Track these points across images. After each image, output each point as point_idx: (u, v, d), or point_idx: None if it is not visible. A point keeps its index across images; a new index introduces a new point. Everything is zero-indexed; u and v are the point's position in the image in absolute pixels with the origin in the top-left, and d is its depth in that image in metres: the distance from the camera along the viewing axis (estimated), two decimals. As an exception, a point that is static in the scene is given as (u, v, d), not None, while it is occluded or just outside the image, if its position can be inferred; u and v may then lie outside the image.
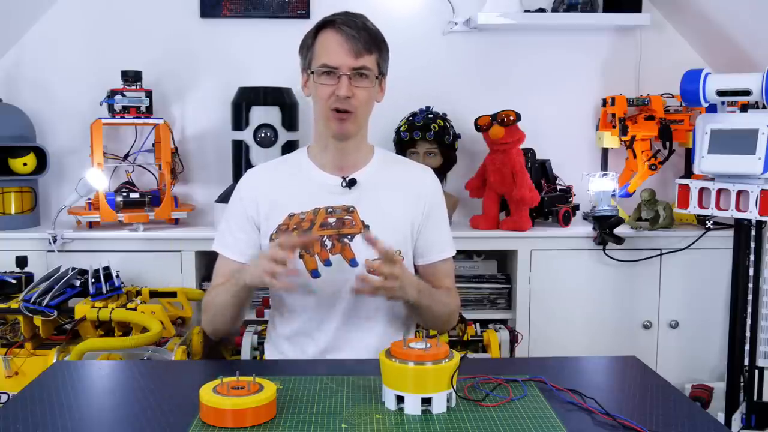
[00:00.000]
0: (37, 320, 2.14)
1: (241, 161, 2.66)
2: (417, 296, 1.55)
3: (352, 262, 1.57)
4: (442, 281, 1.72)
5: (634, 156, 2.77)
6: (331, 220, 1.59)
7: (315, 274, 1.57)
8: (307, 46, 1.62)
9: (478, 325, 2.47)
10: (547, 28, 2.90)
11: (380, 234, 1.59)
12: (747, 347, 2.36)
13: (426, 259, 1.71)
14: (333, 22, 1.57)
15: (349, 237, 1.59)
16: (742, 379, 2.36)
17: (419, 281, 1.60)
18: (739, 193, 2.23)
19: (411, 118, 2.70)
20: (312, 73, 1.58)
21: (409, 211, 1.67)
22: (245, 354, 2.32)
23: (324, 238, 1.58)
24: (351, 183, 1.64)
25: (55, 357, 2.07)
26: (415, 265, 1.72)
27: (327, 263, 1.56)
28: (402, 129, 2.69)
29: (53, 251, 2.50)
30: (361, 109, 1.59)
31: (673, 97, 2.77)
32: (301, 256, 1.58)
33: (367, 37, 1.56)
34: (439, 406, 1.22)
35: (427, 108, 2.74)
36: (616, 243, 2.56)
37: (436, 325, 1.73)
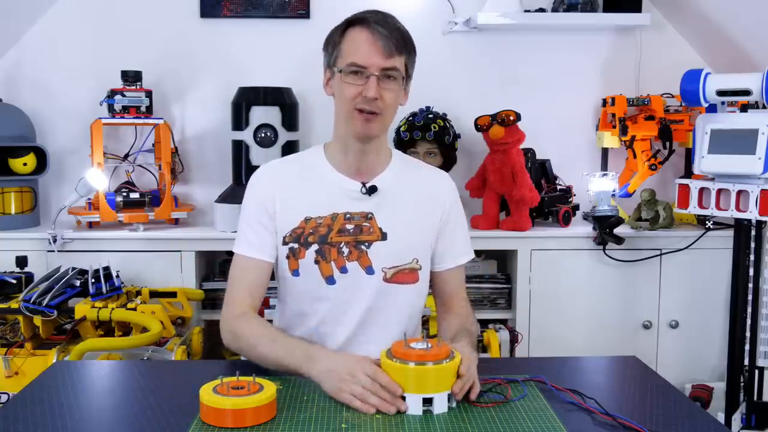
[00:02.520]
0: (37, 320, 2.14)
1: (241, 161, 2.65)
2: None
3: (369, 270, 1.56)
4: (456, 292, 1.68)
5: (634, 156, 2.77)
6: (349, 226, 1.56)
7: (330, 280, 1.55)
8: (333, 43, 1.54)
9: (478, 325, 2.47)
10: (547, 28, 2.89)
11: (399, 242, 1.58)
12: (747, 347, 2.36)
13: (440, 265, 1.66)
14: (365, 20, 1.51)
15: (367, 244, 1.56)
16: (742, 379, 2.36)
17: (471, 351, 1.39)
18: (739, 193, 2.23)
19: (411, 118, 2.70)
20: (340, 71, 1.51)
21: (427, 218, 1.63)
22: (245, 354, 2.32)
23: (341, 245, 1.56)
24: (371, 190, 1.58)
25: (55, 357, 2.07)
26: (431, 272, 1.67)
27: (343, 270, 1.55)
28: (402, 129, 2.69)
29: (53, 251, 2.50)
30: (386, 111, 1.53)
31: (673, 97, 2.77)
32: (317, 262, 1.56)
33: (399, 38, 1.50)
34: (440, 407, 1.21)
35: (427, 108, 2.74)
36: (616, 243, 2.56)
37: None
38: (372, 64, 1.48)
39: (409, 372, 1.21)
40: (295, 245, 1.57)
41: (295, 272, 1.58)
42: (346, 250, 1.55)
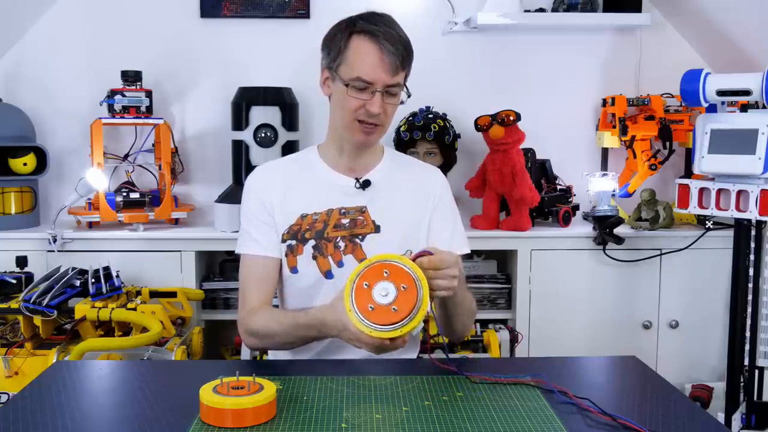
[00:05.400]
0: (37, 320, 2.14)
1: (241, 161, 2.66)
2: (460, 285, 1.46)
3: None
4: None
5: (634, 156, 2.77)
6: (345, 221, 1.59)
7: (329, 275, 1.57)
8: (338, 48, 1.53)
9: (478, 325, 2.47)
10: (547, 28, 2.89)
11: (391, 234, 1.59)
12: (747, 347, 2.36)
13: None
14: (372, 33, 1.50)
15: (360, 237, 1.58)
16: (742, 379, 2.36)
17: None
18: (739, 193, 2.23)
19: (411, 118, 2.70)
20: (346, 85, 1.51)
21: (419, 211, 1.65)
22: (245, 354, 2.32)
23: (337, 239, 1.57)
24: (365, 184, 1.62)
25: (55, 357, 2.07)
26: None
27: (340, 264, 1.56)
28: (402, 129, 2.69)
29: (53, 251, 2.50)
30: (387, 121, 1.57)
31: (673, 97, 2.77)
32: (314, 258, 1.57)
33: (403, 52, 1.51)
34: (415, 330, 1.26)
35: (427, 108, 2.74)
36: (616, 243, 2.56)
37: (459, 328, 1.63)
38: (378, 80, 1.50)
39: (391, 336, 1.25)
40: (293, 242, 1.59)
41: (294, 269, 1.59)
42: (342, 244, 1.57)
